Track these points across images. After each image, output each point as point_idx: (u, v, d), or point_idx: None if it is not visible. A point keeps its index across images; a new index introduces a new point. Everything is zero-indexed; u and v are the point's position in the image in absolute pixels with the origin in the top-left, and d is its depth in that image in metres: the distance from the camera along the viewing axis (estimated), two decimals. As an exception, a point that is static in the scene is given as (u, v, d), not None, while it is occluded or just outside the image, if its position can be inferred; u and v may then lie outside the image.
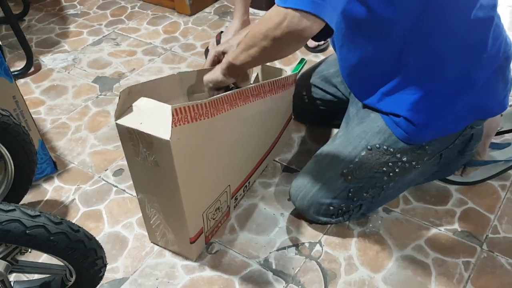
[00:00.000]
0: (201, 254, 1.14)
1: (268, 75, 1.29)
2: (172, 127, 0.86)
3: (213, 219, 1.14)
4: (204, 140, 0.98)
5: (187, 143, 0.92)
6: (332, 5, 0.83)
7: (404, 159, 1.09)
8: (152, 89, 1.03)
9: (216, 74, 1.06)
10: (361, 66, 1.08)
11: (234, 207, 1.24)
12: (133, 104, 0.95)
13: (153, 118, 0.92)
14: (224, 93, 1.01)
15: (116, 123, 0.92)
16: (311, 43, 1.82)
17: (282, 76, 1.23)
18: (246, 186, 1.25)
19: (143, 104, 0.96)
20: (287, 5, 0.82)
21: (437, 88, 1.02)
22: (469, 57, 1.01)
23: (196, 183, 1.01)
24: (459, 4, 0.95)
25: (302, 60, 1.37)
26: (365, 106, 1.14)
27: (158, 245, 1.16)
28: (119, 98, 0.93)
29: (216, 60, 1.18)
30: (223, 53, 1.18)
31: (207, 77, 1.08)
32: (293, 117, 1.42)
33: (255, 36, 0.91)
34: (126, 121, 0.92)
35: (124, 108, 0.94)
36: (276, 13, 0.84)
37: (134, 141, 0.93)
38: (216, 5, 2.19)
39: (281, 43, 0.88)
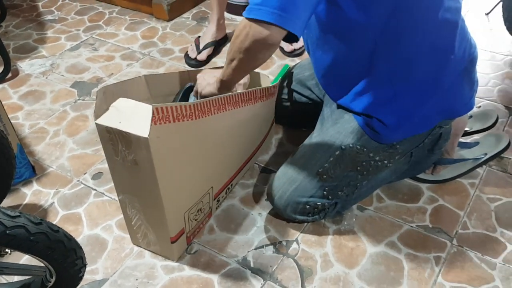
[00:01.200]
0: (181, 255, 1.16)
1: (255, 82, 1.33)
2: (151, 125, 0.88)
3: (195, 220, 1.15)
4: (187, 141, 1.00)
5: (168, 143, 0.94)
6: (295, 14, 0.89)
7: (377, 158, 1.13)
8: (123, 90, 1.05)
9: (211, 89, 1.15)
10: (334, 67, 1.12)
11: (216, 208, 1.26)
12: (112, 105, 0.97)
13: (133, 117, 0.93)
14: (212, 97, 1.03)
15: (95, 123, 0.94)
16: (288, 47, 1.86)
17: (272, 84, 1.27)
18: (228, 188, 1.28)
19: (121, 104, 0.97)
20: (251, 16, 0.89)
21: (406, 90, 1.07)
22: (436, 59, 1.05)
23: (177, 183, 1.02)
24: (425, 8, 0.99)
25: (285, 66, 1.41)
26: (339, 107, 1.18)
27: (140, 246, 1.17)
28: (96, 97, 0.94)
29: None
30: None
31: (204, 92, 1.16)
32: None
33: (232, 50, 0.98)
34: (105, 120, 0.94)
35: (102, 108, 0.96)
36: (243, 25, 0.92)
37: (113, 141, 0.95)
38: (194, 10, 2.22)
39: (252, 52, 0.94)
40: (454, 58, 1.06)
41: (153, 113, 0.87)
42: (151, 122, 0.88)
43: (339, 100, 1.15)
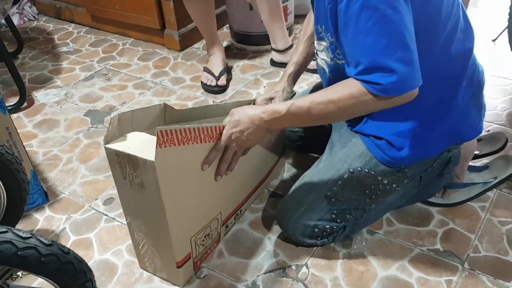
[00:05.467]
0: (190, 279, 1.16)
1: None
2: (156, 148, 0.89)
3: (202, 245, 1.16)
4: (192, 164, 1.01)
5: (174, 166, 0.95)
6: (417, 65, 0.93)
7: (385, 181, 1.13)
8: (141, 116, 1.07)
9: (259, 138, 1.07)
10: None
11: (225, 234, 1.26)
12: (127, 135, 1.00)
13: (141, 144, 0.96)
14: (219, 124, 1.04)
15: (104, 147, 0.96)
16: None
17: None
18: (237, 214, 1.28)
19: (134, 135, 1.00)
20: (395, 94, 0.93)
21: (417, 114, 1.08)
22: (447, 87, 1.07)
23: (184, 207, 1.03)
24: (442, 40, 1.00)
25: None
26: (347, 131, 1.19)
27: (147, 271, 1.18)
28: (110, 124, 0.97)
29: None
30: (271, 99, 1.27)
31: (250, 145, 1.09)
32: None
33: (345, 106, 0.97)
34: (115, 145, 0.96)
35: (113, 134, 0.98)
36: (386, 102, 0.95)
37: (121, 164, 0.97)
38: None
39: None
40: (465, 85, 1.08)
41: (157, 136, 0.89)
42: (156, 145, 0.89)
43: (351, 123, 1.16)
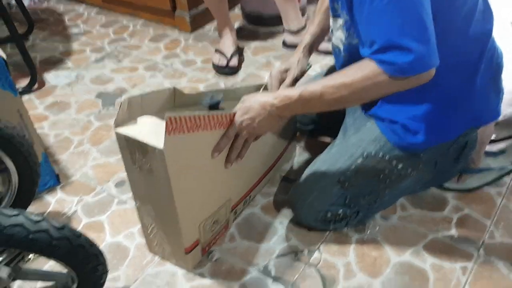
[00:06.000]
0: (201, 262, 1.15)
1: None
2: (165, 135, 0.88)
3: (211, 231, 1.15)
4: (202, 152, 1.00)
5: (183, 153, 0.94)
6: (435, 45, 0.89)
7: (400, 166, 1.11)
8: (150, 100, 1.06)
9: (272, 127, 1.04)
10: None
11: (234, 220, 1.25)
12: (137, 119, 0.98)
13: (151, 129, 0.94)
14: (230, 111, 1.03)
15: (115, 131, 0.95)
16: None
17: None
18: (246, 200, 1.27)
19: (144, 119, 0.99)
20: (413, 74, 0.89)
21: (433, 98, 1.05)
22: (465, 69, 1.03)
23: (193, 194, 1.02)
24: (462, 17, 0.97)
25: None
26: (362, 115, 1.17)
27: (156, 254, 1.18)
28: (119, 107, 0.95)
29: (281, 79, 1.23)
30: (286, 71, 1.24)
31: (261, 132, 1.06)
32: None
33: (352, 88, 0.93)
34: (124, 130, 0.95)
35: (123, 118, 0.97)
36: (401, 83, 0.91)
37: (131, 149, 0.96)
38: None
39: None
40: (484, 67, 1.05)
41: (166, 123, 0.87)
42: (166, 132, 0.88)
43: (365, 107, 1.14)
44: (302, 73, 1.25)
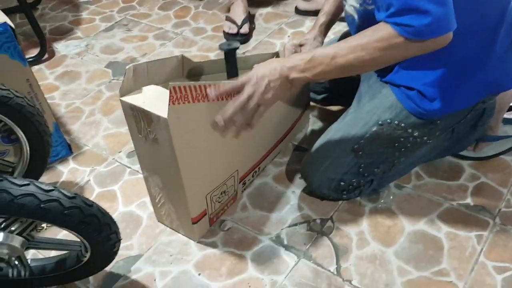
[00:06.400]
0: (213, 231, 1.15)
1: None
2: (169, 104, 0.86)
3: (218, 202, 1.14)
4: (208, 122, 0.97)
5: (188, 123, 0.92)
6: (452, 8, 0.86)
7: (416, 134, 1.09)
8: (157, 69, 1.03)
9: (281, 93, 0.95)
10: None
11: (242, 191, 1.24)
12: (143, 88, 0.97)
13: (156, 98, 0.93)
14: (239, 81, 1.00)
15: (120, 100, 0.94)
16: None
17: None
18: (255, 171, 1.25)
19: (151, 89, 0.97)
20: (431, 37, 0.86)
21: (451, 63, 1.01)
22: (484, 33, 1.00)
23: (199, 164, 1.01)
24: None
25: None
26: (377, 82, 1.14)
27: (164, 224, 1.18)
28: (124, 75, 0.94)
29: (294, 52, 1.20)
30: (300, 46, 1.21)
31: (269, 98, 0.95)
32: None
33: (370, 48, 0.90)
34: (130, 98, 0.94)
35: (129, 86, 0.95)
36: (419, 46, 0.88)
37: (136, 118, 0.94)
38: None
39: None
40: (504, 30, 1.01)
41: (170, 92, 0.85)
42: (169, 101, 0.86)
43: (381, 73, 1.11)
44: None
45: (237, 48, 1.05)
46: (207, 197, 1.09)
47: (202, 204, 1.09)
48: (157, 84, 1.00)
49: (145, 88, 0.97)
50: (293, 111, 1.32)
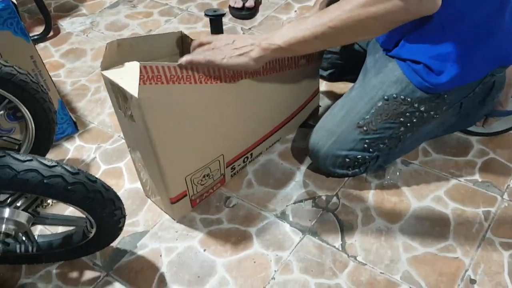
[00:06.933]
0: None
1: None
2: (139, 84, 0.84)
3: (201, 184, 1.12)
4: (187, 105, 0.95)
5: (163, 104, 0.90)
6: None
7: (422, 108, 1.07)
8: (150, 44, 1.01)
9: (244, 60, 0.93)
10: None
11: (231, 176, 1.21)
12: (126, 63, 0.95)
13: (135, 76, 0.89)
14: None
15: (101, 73, 0.93)
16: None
17: None
18: (247, 157, 1.22)
19: (132, 65, 0.94)
20: None
21: (458, 35, 0.99)
22: (492, 3, 0.97)
23: (177, 146, 0.99)
24: None
25: None
26: (383, 56, 1.12)
27: (150, 199, 1.18)
28: (106, 49, 0.92)
29: None
30: None
31: (229, 62, 0.93)
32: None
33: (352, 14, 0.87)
34: (110, 73, 0.92)
35: (112, 61, 0.94)
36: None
37: (116, 94, 0.94)
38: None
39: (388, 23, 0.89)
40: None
41: (140, 72, 0.83)
42: (139, 81, 0.84)
43: (388, 47, 1.09)
44: None
45: (223, 14, 1.02)
46: (187, 179, 1.07)
47: (181, 186, 1.07)
48: (147, 60, 0.97)
49: (127, 64, 0.95)
50: (295, 98, 1.26)
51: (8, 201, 0.86)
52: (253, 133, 1.19)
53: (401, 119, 1.08)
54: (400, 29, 1.03)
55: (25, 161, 0.79)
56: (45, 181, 0.79)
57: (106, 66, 0.93)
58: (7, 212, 0.87)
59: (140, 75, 0.83)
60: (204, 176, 1.11)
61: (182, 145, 1.00)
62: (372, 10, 0.86)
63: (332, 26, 0.89)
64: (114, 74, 0.92)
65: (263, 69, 1.05)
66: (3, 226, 0.87)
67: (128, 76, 0.91)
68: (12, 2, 1.13)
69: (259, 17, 1.81)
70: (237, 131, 1.12)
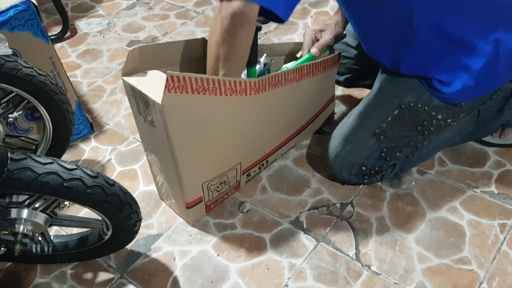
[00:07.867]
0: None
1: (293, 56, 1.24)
2: (164, 91, 0.85)
3: (217, 191, 1.13)
4: (209, 115, 0.96)
5: (185, 112, 0.91)
6: None
7: (439, 116, 1.06)
8: (172, 50, 1.02)
9: None
10: (376, 35, 1.05)
11: (246, 182, 1.21)
12: (147, 72, 0.97)
13: (157, 83, 0.91)
14: (252, 79, 0.98)
15: (122, 78, 0.95)
16: None
17: (325, 58, 1.17)
18: (263, 164, 1.22)
19: (154, 73, 0.97)
20: None
21: (455, 44, 0.98)
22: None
23: (196, 153, 1.00)
24: None
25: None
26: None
27: (164, 202, 1.19)
28: (128, 56, 0.93)
29: (314, 39, 1.19)
30: (320, 31, 1.19)
31: None
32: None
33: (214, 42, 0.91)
34: (131, 79, 0.94)
35: (133, 67, 0.95)
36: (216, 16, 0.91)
37: (136, 99, 0.95)
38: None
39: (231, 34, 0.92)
40: None
41: (167, 80, 0.84)
42: (165, 89, 0.85)
43: (391, 68, 1.08)
44: (337, 38, 1.20)
45: (260, 29, 1.04)
46: (204, 185, 1.08)
47: (197, 191, 1.08)
48: (170, 66, 0.99)
49: (149, 72, 0.97)
50: (312, 105, 1.27)
51: (27, 202, 0.87)
52: (270, 141, 1.19)
53: (418, 127, 1.07)
54: (393, 50, 1.03)
55: (46, 163, 0.79)
56: (65, 184, 0.80)
57: (127, 72, 0.95)
58: (25, 213, 0.87)
59: (166, 83, 0.84)
60: (220, 183, 1.12)
61: (201, 153, 1.01)
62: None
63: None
64: (135, 81, 0.93)
65: (284, 79, 1.06)
66: (21, 226, 0.88)
67: (150, 83, 0.93)
68: (33, 3, 1.14)
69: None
70: (255, 139, 1.13)
